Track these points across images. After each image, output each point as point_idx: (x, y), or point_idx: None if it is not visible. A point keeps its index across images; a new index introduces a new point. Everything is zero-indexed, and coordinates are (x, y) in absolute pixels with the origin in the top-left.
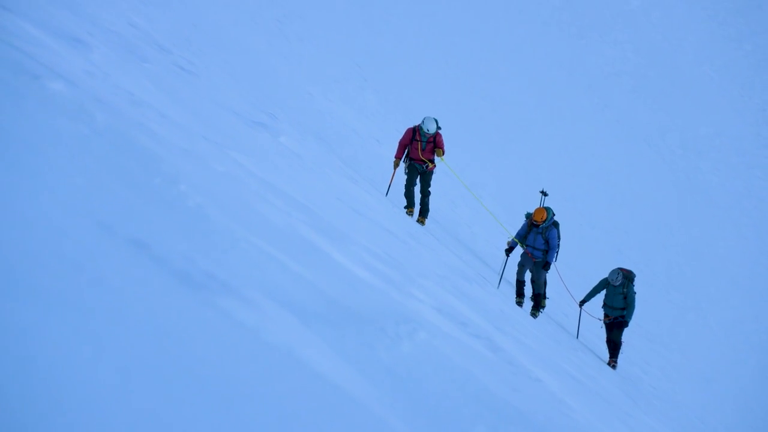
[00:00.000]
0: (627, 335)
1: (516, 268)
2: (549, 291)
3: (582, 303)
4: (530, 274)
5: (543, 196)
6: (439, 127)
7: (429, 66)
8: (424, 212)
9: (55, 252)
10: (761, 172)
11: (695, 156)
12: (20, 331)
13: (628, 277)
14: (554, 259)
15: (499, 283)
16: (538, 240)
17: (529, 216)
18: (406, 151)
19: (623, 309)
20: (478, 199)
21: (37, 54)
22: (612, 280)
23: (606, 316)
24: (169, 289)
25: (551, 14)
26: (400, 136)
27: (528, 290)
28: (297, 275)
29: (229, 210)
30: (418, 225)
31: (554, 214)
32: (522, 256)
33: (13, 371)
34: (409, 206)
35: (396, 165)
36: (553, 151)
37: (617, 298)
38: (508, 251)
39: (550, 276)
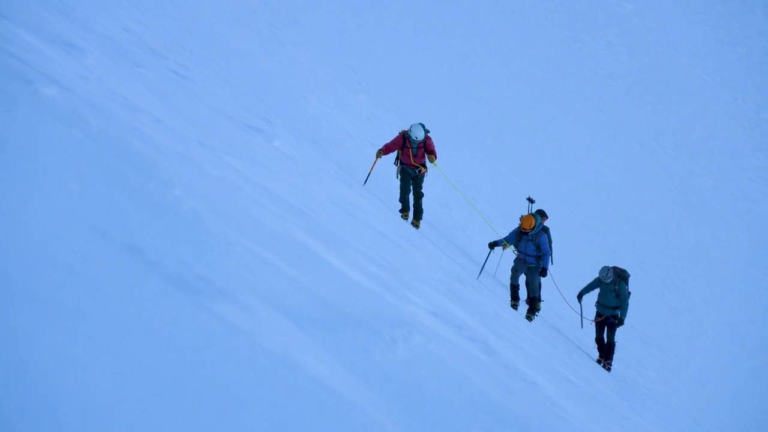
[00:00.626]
0: (622, 338)
1: (510, 273)
2: (543, 294)
3: (580, 296)
4: (524, 277)
5: (530, 203)
6: (427, 131)
7: (423, 69)
8: (417, 215)
9: (49, 257)
10: (754, 175)
11: (689, 159)
12: (16, 336)
13: (621, 275)
14: (549, 264)
15: (480, 273)
16: (529, 247)
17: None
18: (396, 154)
19: (616, 308)
20: (471, 204)
21: (30, 59)
22: (603, 277)
23: (598, 314)
24: (163, 293)
25: (545, 17)
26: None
27: (522, 293)
28: (292, 279)
29: (223, 214)
30: (412, 228)
31: (547, 217)
32: (515, 261)
33: (9, 375)
34: (404, 210)
35: (378, 156)
36: (548, 154)
37: (609, 296)
38: (492, 245)
39: (544, 279)
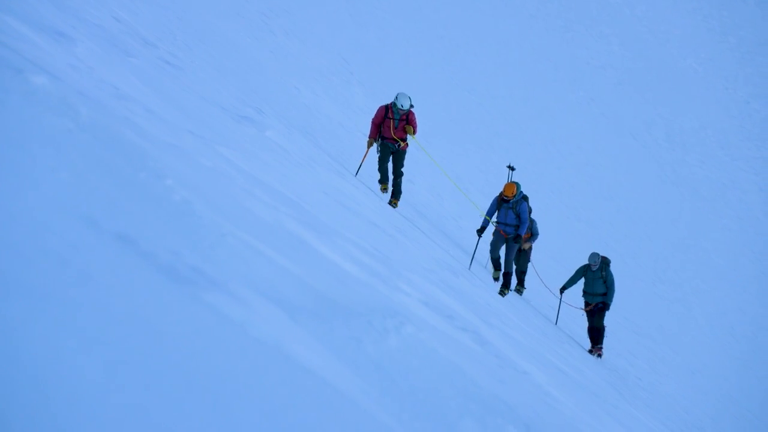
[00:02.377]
0: (614, 328)
1: (489, 248)
2: (534, 282)
3: (563, 290)
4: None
5: (510, 171)
6: (412, 105)
7: (415, 59)
8: (396, 194)
9: (40, 247)
10: (745, 164)
11: (681, 149)
12: (5, 327)
13: (604, 261)
14: (525, 232)
15: (471, 264)
16: (509, 216)
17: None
18: (379, 130)
19: (603, 294)
20: (455, 184)
21: (20, 48)
22: (592, 263)
23: (587, 304)
24: (155, 284)
25: (537, 7)
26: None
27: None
28: (284, 270)
29: (215, 205)
30: (405, 219)
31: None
32: (494, 234)
33: None
34: (383, 182)
35: (369, 144)
36: (540, 145)
37: (597, 282)
38: (480, 231)
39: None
